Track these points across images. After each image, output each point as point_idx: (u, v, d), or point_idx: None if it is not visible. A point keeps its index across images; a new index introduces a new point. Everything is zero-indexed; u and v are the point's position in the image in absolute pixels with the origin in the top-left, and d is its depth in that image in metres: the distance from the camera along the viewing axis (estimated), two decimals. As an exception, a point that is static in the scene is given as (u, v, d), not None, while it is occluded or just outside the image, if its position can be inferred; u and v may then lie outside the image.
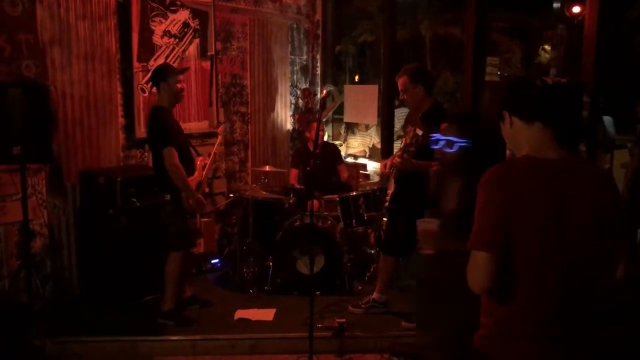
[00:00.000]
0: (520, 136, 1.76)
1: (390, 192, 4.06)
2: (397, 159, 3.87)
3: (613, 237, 1.72)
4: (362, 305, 4.34)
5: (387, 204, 4.14)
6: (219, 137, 4.89)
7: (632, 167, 5.17)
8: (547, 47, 5.42)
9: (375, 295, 4.36)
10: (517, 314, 1.72)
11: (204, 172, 4.32)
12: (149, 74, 4.20)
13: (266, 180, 5.33)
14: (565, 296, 1.69)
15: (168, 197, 4.00)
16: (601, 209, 1.67)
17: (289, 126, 6.49)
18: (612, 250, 1.74)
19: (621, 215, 1.74)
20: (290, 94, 6.52)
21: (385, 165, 4.13)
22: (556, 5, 5.49)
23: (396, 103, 6.10)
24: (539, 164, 1.69)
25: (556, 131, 1.71)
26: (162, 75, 4.04)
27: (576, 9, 4.40)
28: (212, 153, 4.51)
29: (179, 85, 4.06)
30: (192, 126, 5.33)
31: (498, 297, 1.74)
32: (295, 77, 6.57)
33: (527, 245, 1.66)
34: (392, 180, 4.01)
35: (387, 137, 6.11)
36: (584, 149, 4.18)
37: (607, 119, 6.02)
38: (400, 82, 4.00)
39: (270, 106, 6.25)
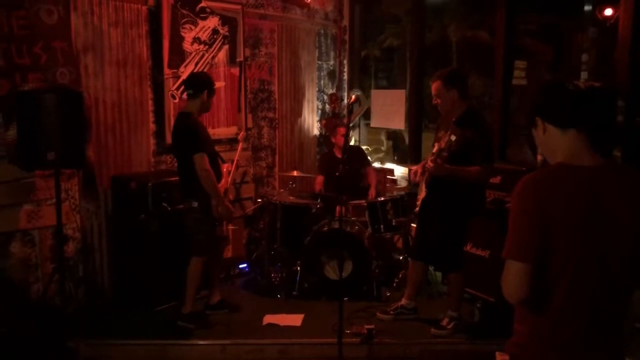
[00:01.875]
0: (554, 143, 1.74)
1: (420, 197, 4.00)
2: (430, 164, 3.83)
3: None
4: (391, 312, 4.31)
5: (417, 209, 4.08)
6: (240, 143, 4.89)
7: None
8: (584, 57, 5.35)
9: (404, 301, 4.33)
10: (551, 323, 1.70)
11: (229, 179, 4.35)
12: (180, 80, 4.23)
13: (294, 185, 5.34)
14: (601, 306, 1.66)
15: (195, 204, 4.03)
16: None
17: (316, 131, 6.50)
18: None
19: None
20: (317, 99, 6.53)
21: (415, 173, 4.03)
22: (587, 7, 5.39)
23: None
24: (574, 172, 1.67)
25: (591, 137, 1.68)
26: (209, 85, 4.11)
27: (608, 12, 4.31)
28: (235, 160, 4.54)
29: (214, 100, 4.18)
30: (220, 132, 5.38)
31: (532, 305, 1.72)
32: (322, 82, 6.58)
33: (564, 255, 1.63)
34: (423, 185, 3.96)
35: (414, 142, 6.09)
36: (619, 154, 4.10)
37: None
38: (434, 86, 3.92)
39: (297, 111, 6.27)
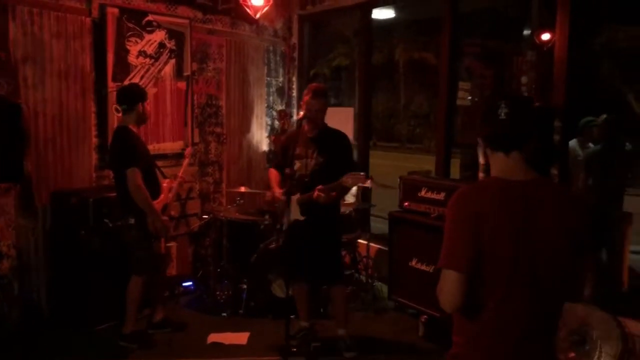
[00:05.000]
0: (491, 160, 1.83)
1: (290, 219, 3.87)
2: (318, 194, 3.70)
3: (581, 256, 1.75)
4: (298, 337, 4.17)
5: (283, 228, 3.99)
6: (186, 159, 4.70)
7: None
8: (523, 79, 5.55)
9: (306, 324, 4.26)
10: (486, 332, 1.74)
11: (171, 195, 4.25)
12: (118, 93, 4.13)
13: (241, 201, 5.29)
14: (535, 313, 1.72)
15: (132, 220, 3.93)
16: (570, 228, 1.71)
17: (264, 147, 6.49)
18: (580, 269, 1.77)
19: (590, 236, 1.78)
20: (267, 115, 6.52)
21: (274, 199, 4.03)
22: (526, 32, 5.62)
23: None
24: (506, 185, 1.74)
25: (525, 156, 1.75)
26: (141, 96, 4.02)
27: (546, 36, 4.50)
28: (180, 175, 4.43)
29: (148, 107, 4.09)
30: (166, 146, 5.29)
31: (468, 314, 1.76)
32: (271, 98, 6.58)
33: (497, 264, 1.68)
34: (297, 209, 3.88)
35: (363, 159, 6.15)
36: (556, 172, 4.26)
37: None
38: (323, 102, 3.88)
39: (246, 127, 6.25)
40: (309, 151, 3.87)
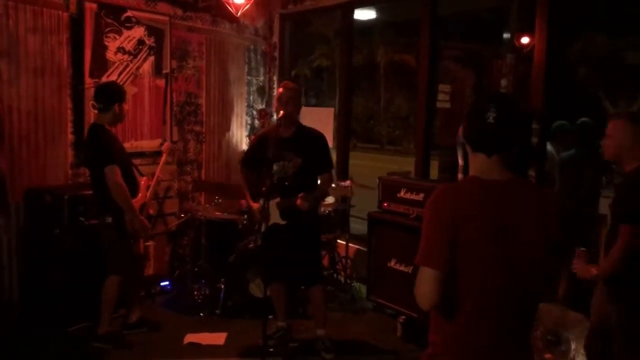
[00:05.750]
0: (471, 160, 1.84)
1: (268, 223, 3.74)
2: (301, 202, 3.71)
3: (556, 256, 1.77)
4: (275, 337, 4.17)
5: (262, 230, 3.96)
6: (164, 155, 4.53)
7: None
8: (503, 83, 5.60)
9: (283, 324, 4.26)
10: (462, 332, 1.74)
11: (148, 193, 4.20)
12: (96, 90, 4.06)
13: (220, 200, 5.25)
14: (509, 316, 1.73)
15: (109, 219, 3.87)
16: (545, 227, 1.72)
17: (244, 146, 6.45)
18: (555, 269, 1.79)
19: (564, 235, 1.79)
20: (247, 114, 6.49)
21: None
22: (506, 35, 5.67)
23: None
24: (484, 184, 1.75)
25: (503, 158, 1.77)
26: (119, 95, 3.96)
27: (525, 40, 4.54)
28: (157, 174, 4.36)
29: (126, 107, 4.05)
30: (144, 144, 5.22)
31: (445, 313, 1.76)
32: (251, 97, 6.55)
33: (473, 262, 1.69)
34: (276, 213, 3.87)
35: (342, 160, 6.15)
36: (534, 174, 4.30)
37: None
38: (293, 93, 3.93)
39: (225, 126, 6.20)
40: (285, 153, 3.81)
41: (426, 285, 1.69)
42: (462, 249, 1.67)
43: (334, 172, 4.05)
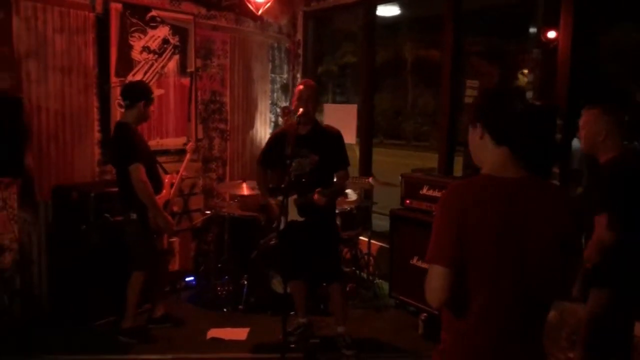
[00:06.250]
0: (486, 151, 1.78)
1: (285, 221, 3.82)
2: (318, 197, 3.71)
3: (570, 255, 1.73)
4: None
5: (281, 228, 3.87)
6: (188, 154, 4.60)
7: None
8: (525, 71, 5.48)
9: (304, 319, 4.27)
10: (470, 329, 1.73)
11: (172, 191, 4.25)
12: (123, 87, 4.14)
13: (242, 197, 5.29)
14: (518, 315, 1.71)
15: (134, 216, 3.94)
16: (559, 226, 1.69)
17: (268, 144, 6.48)
18: (568, 269, 1.75)
19: (579, 234, 1.76)
20: (270, 111, 6.52)
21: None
22: (532, 30, 5.58)
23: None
24: (497, 183, 1.72)
25: (521, 154, 1.74)
26: (146, 94, 4.03)
27: (551, 34, 4.46)
28: (181, 171, 4.41)
29: (151, 109, 4.11)
30: (169, 142, 5.30)
31: (455, 311, 1.75)
32: (275, 95, 6.58)
33: (484, 260, 1.67)
34: (295, 210, 3.88)
35: (365, 156, 6.14)
36: (558, 170, 4.23)
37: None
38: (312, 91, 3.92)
39: (249, 123, 6.25)
40: (302, 150, 3.82)
41: (435, 282, 1.69)
42: (471, 247, 1.65)
43: (350, 169, 4.03)
